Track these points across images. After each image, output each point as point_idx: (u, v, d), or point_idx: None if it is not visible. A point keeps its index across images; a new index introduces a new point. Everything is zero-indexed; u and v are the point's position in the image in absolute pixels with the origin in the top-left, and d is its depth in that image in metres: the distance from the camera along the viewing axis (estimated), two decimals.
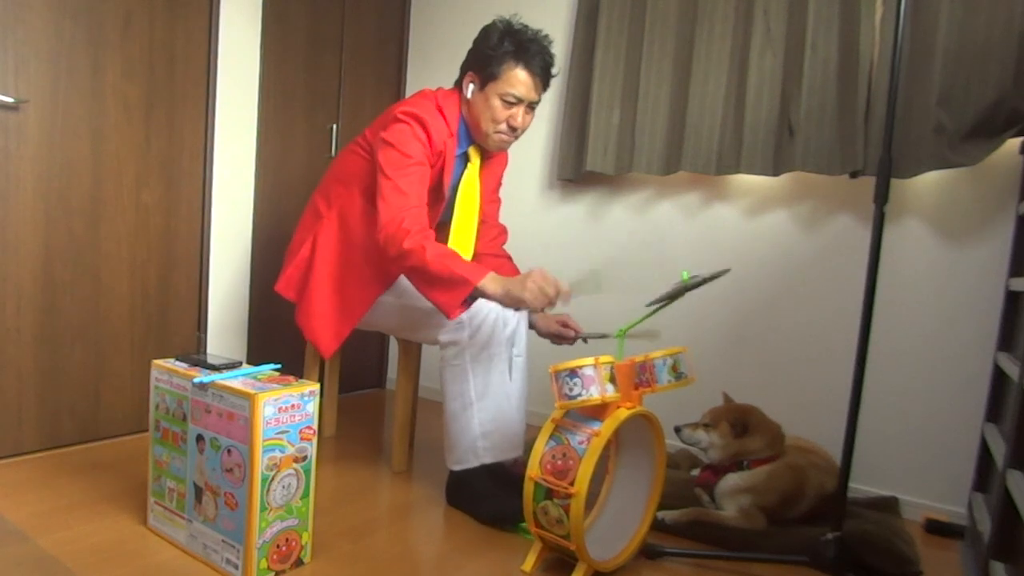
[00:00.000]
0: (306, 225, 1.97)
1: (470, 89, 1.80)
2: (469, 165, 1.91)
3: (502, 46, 1.73)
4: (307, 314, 1.88)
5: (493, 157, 1.98)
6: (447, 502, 1.80)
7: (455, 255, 1.63)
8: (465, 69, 1.82)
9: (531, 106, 1.79)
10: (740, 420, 1.73)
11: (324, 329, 1.86)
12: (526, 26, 1.78)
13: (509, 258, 2.09)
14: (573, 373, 1.35)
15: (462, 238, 1.90)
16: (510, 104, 1.75)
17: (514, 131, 1.80)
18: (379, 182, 1.71)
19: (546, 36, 1.78)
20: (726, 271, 1.56)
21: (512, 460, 1.77)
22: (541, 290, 1.54)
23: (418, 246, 1.61)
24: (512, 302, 1.57)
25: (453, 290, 1.60)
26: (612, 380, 1.38)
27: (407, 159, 1.70)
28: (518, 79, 1.74)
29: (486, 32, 1.78)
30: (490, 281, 1.59)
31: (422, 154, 1.72)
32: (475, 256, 2.02)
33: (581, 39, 2.38)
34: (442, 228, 1.93)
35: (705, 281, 1.51)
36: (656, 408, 1.53)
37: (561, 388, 1.37)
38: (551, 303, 1.56)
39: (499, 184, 2.08)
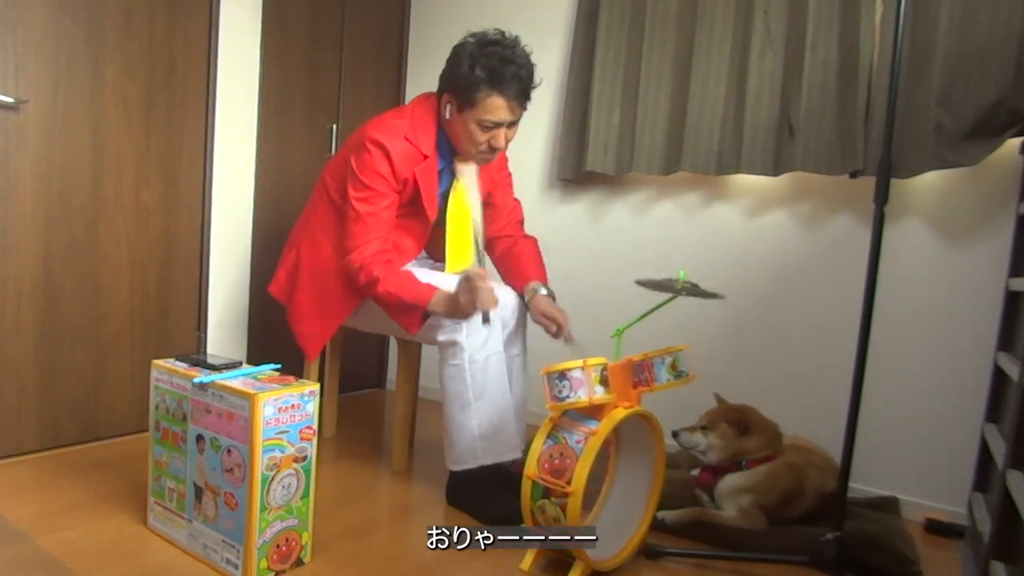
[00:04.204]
0: (298, 229, 2.02)
1: (448, 110, 1.75)
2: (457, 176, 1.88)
3: (474, 73, 1.65)
4: (294, 317, 1.96)
5: None
6: (448, 502, 1.80)
7: (406, 281, 1.74)
8: (442, 88, 1.77)
9: (512, 124, 1.75)
10: (736, 420, 1.73)
11: (308, 332, 1.93)
12: (500, 39, 1.69)
13: (523, 236, 2.01)
14: (562, 375, 1.37)
15: (457, 247, 1.87)
16: (488, 128, 1.72)
17: (495, 151, 1.78)
18: (347, 207, 1.78)
19: (522, 49, 1.70)
20: (720, 297, 1.54)
21: (511, 461, 1.77)
22: (469, 292, 1.63)
23: (372, 279, 1.73)
24: (459, 315, 1.69)
25: (408, 313, 1.77)
26: (603, 382, 1.37)
27: (368, 190, 1.75)
28: (494, 105, 1.68)
29: (457, 56, 1.71)
30: (436, 302, 1.71)
31: (384, 185, 1.75)
32: (489, 241, 1.98)
33: (581, 39, 2.38)
34: (438, 235, 1.92)
35: (697, 294, 1.50)
36: (656, 409, 1.53)
37: (551, 390, 1.38)
38: (480, 299, 1.63)
39: (502, 163, 2.00)
